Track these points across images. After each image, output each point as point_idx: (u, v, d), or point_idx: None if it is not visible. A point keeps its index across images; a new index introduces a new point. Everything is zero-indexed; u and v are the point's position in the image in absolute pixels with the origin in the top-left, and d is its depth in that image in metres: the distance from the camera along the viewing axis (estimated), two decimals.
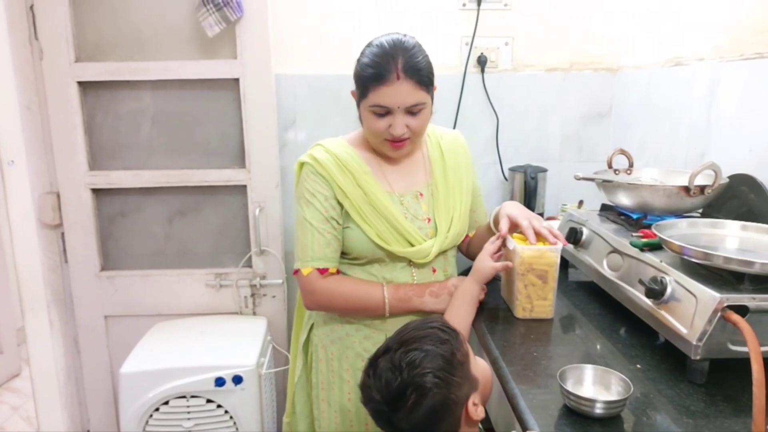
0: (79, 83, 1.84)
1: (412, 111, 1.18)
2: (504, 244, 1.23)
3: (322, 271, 1.22)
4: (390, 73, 1.14)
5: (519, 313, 1.22)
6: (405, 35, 1.21)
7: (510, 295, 1.26)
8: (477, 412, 0.93)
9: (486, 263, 1.22)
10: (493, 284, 1.30)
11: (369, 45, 1.21)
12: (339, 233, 1.24)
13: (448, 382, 0.90)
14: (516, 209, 1.26)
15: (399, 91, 1.15)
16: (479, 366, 0.98)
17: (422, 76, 1.17)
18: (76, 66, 1.82)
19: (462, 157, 1.36)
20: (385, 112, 1.17)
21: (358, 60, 1.21)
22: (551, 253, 1.18)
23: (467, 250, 1.44)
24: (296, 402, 1.37)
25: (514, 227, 1.23)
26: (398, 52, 1.15)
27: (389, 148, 1.23)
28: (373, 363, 0.95)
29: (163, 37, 1.84)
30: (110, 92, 1.87)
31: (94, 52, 1.85)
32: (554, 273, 1.18)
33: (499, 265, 1.21)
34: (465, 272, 1.50)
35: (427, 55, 1.20)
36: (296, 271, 1.25)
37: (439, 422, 0.90)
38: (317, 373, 1.32)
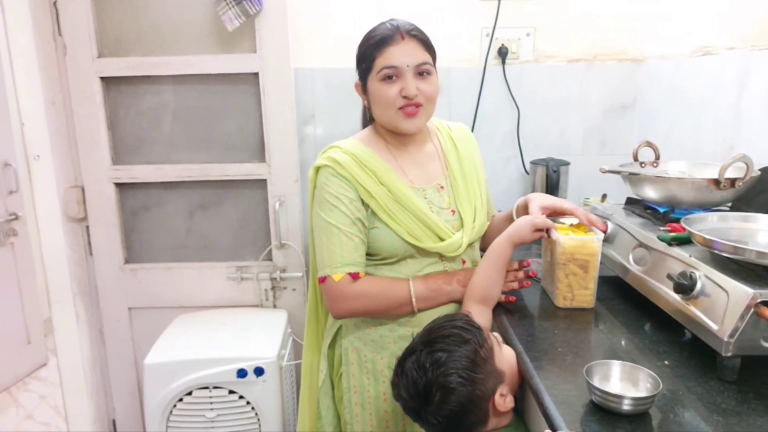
0: (102, 78, 1.86)
1: (420, 72, 1.19)
2: (548, 234, 1.20)
3: (354, 276, 1.18)
4: (394, 34, 1.17)
5: (560, 302, 1.21)
6: None
7: (551, 285, 1.25)
8: (505, 402, 0.96)
9: (526, 227, 1.18)
10: (518, 293, 1.28)
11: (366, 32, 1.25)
12: (365, 236, 1.21)
13: (472, 380, 0.93)
14: (549, 198, 1.25)
15: (406, 50, 1.17)
16: (505, 357, 1.00)
17: (425, 39, 1.21)
18: (98, 61, 1.84)
19: (472, 147, 1.36)
20: (394, 74, 1.17)
21: (358, 47, 1.24)
22: (593, 243, 1.17)
23: (481, 243, 1.42)
24: (321, 407, 1.35)
25: (554, 215, 1.23)
26: (396, 21, 1.21)
27: (403, 118, 1.20)
28: (401, 363, 1.00)
29: (182, 31, 1.85)
30: (132, 87, 1.89)
31: (115, 48, 1.86)
32: (595, 262, 1.17)
33: (538, 235, 1.19)
34: None
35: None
36: (323, 279, 1.20)
37: (466, 416, 0.93)
38: (348, 377, 1.29)
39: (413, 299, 1.19)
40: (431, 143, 1.32)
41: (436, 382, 0.93)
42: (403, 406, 1.00)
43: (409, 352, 1.00)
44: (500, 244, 1.19)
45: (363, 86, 1.25)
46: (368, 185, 1.20)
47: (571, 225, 1.27)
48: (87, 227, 1.96)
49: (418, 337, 1.03)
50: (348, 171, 1.20)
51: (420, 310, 1.21)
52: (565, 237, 1.18)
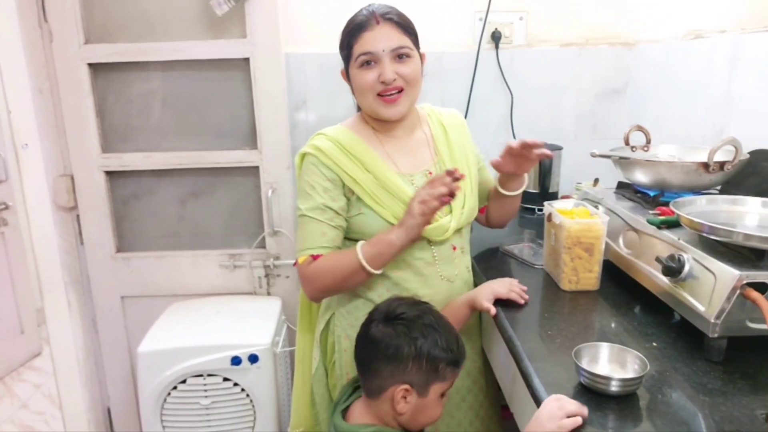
0: (90, 65, 1.83)
1: (399, 56, 1.18)
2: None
3: (316, 257, 1.19)
4: (369, 20, 1.18)
5: (565, 285, 1.22)
6: None
7: (556, 268, 1.26)
8: (401, 403, 0.98)
9: (484, 302, 1.19)
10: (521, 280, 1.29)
11: None
12: (338, 223, 1.21)
13: (413, 347, 0.97)
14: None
15: (381, 34, 1.17)
16: (431, 407, 1.00)
17: (402, 21, 1.20)
18: (86, 48, 1.82)
19: (464, 133, 1.36)
20: (371, 59, 1.17)
21: (340, 35, 1.24)
22: (598, 226, 1.18)
23: (488, 220, 1.44)
24: (315, 394, 1.36)
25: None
26: (373, 5, 1.21)
27: (382, 104, 1.20)
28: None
29: (171, 17, 1.83)
30: (121, 74, 1.87)
31: (103, 34, 1.84)
32: (600, 245, 1.19)
33: (493, 311, 1.18)
34: (480, 254, 1.50)
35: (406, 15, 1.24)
36: (295, 263, 1.24)
37: (383, 360, 0.99)
38: (341, 364, 1.30)
39: (362, 261, 1.16)
40: (421, 130, 1.32)
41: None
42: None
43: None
44: (458, 308, 1.23)
45: (347, 73, 1.25)
46: (353, 172, 1.20)
47: (574, 208, 1.28)
48: (77, 216, 1.95)
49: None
50: (331, 158, 1.20)
51: (376, 270, 1.17)
52: (570, 221, 1.19)
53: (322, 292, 1.26)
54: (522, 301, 1.18)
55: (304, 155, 1.24)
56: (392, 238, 1.16)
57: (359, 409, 1.05)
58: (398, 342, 0.98)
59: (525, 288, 1.21)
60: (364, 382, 1.03)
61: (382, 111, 1.21)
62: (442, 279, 1.27)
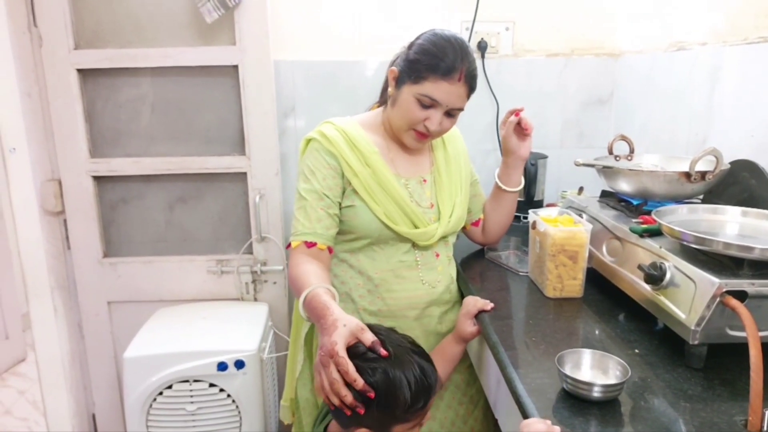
0: (79, 70, 1.83)
1: (450, 113, 1.21)
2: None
3: (310, 245, 1.20)
4: (456, 72, 1.15)
5: (549, 292, 1.24)
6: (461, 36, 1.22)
7: (540, 276, 1.28)
8: None
9: (466, 327, 1.21)
10: (505, 284, 1.30)
11: (433, 34, 1.19)
12: (333, 212, 1.23)
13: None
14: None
15: (455, 93, 1.17)
16: None
17: (474, 86, 1.21)
18: (75, 53, 1.81)
19: (460, 146, 1.40)
20: (430, 104, 1.18)
21: (417, 44, 1.19)
22: (582, 234, 1.20)
23: (483, 232, 1.47)
24: (299, 398, 1.36)
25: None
26: (466, 55, 1.17)
27: (414, 138, 1.23)
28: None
29: (161, 23, 1.83)
30: (110, 79, 1.87)
31: (92, 39, 1.84)
32: (584, 253, 1.21)
33: (475, 329, 1.21)
34: (466, 261, 1.51)
35: None
36: (288, 245, 1.25)
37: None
38: None
39: (302, 300, 1.08)
40: None
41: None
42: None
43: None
44: (449, 346, 1.25)
45: (399, 81, 1.21)
46: (353, 164, 1.22)
47: (558, 216, 1.30)
48: (65, 221, 1.94)
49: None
50: (335, 146, 1.22)
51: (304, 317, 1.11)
52: (554, 228, 1.21)
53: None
54: (489, 308, 1.19)
55: (309, 140, 1.26)
56: (323, 324, 0.98)
57: None
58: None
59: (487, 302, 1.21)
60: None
61: (409, 142, 1.25)
62: (423, 283, 1.28)
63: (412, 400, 0.90)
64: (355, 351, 0.91)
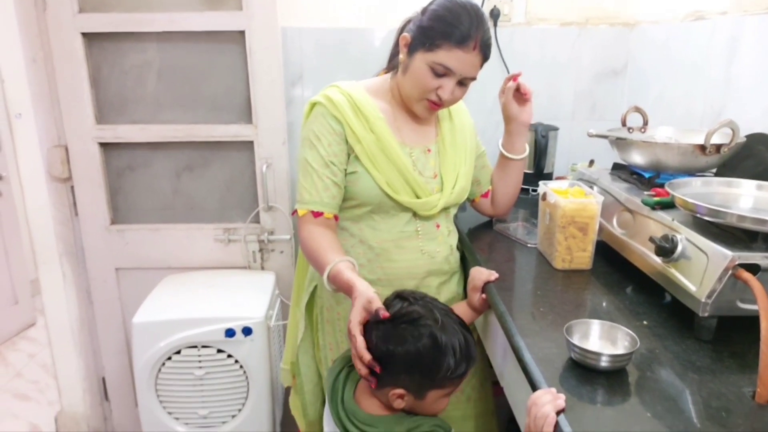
0: (84, 34, 1.80)
1: (463, 82, 1.18)
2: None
3: (317, 215, 1.20)
4: (471, 40, 1.13)
5: (558, 264, 1.23)
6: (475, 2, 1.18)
7: (549, 247, 1.27)
8: (396, 402, 0.96)
9: (474, 301, 1.19)
10: (512, 255, 1.29)
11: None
12: (340, 179, 1.21)
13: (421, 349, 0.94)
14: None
15: (469, 61, 1.15)
16: (430, 406, 0.99)
17: (488, 55, 1.18)
18: (80, 17, 1.78)
19: (466, 119, 1.38)
20: (444, 73, 1.15)
21: (431, 10, 1.16)
22: (593, 206, 1.19)
23: (492, 204, 1.46)
24: (300, 364, 1.37)
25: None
26: (481, 23, 1.14)
27: (425, 107, 1.21)
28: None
29: None
30: (115, 44, 1.84)
31: (97, 3, 1.80)
32: (594, 225, 1.20)
33: (483, 300, 1.18)
34: (473, 232, 1.51)
35: None
36: (294, 212, 1.24)
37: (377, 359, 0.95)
38: (324, 334, 1.33)
39: (326, 277, 1.12)
40: None
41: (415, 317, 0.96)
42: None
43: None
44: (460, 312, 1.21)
45: (411, 47, 1.18)
46: (357, 129, 1.20)
47: (569, 188, 1.28)
48: (72, 187, 1.94)
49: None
50: (340, 111, 1.20)
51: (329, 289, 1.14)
52: (565, 200, 1.19)
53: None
54: (493, 278, 1.17)
55: (314, 104, 1.24)
56: (351, 297, 1.05)
57: (366, 397, 1.02)
58: (391, 348, 0.94)
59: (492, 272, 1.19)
60: None
61: (420, 111, 1.24)
62: (423, 253, 1.28)
63: (455, 365, 0.94)
64: (397, 314, 0.97)
